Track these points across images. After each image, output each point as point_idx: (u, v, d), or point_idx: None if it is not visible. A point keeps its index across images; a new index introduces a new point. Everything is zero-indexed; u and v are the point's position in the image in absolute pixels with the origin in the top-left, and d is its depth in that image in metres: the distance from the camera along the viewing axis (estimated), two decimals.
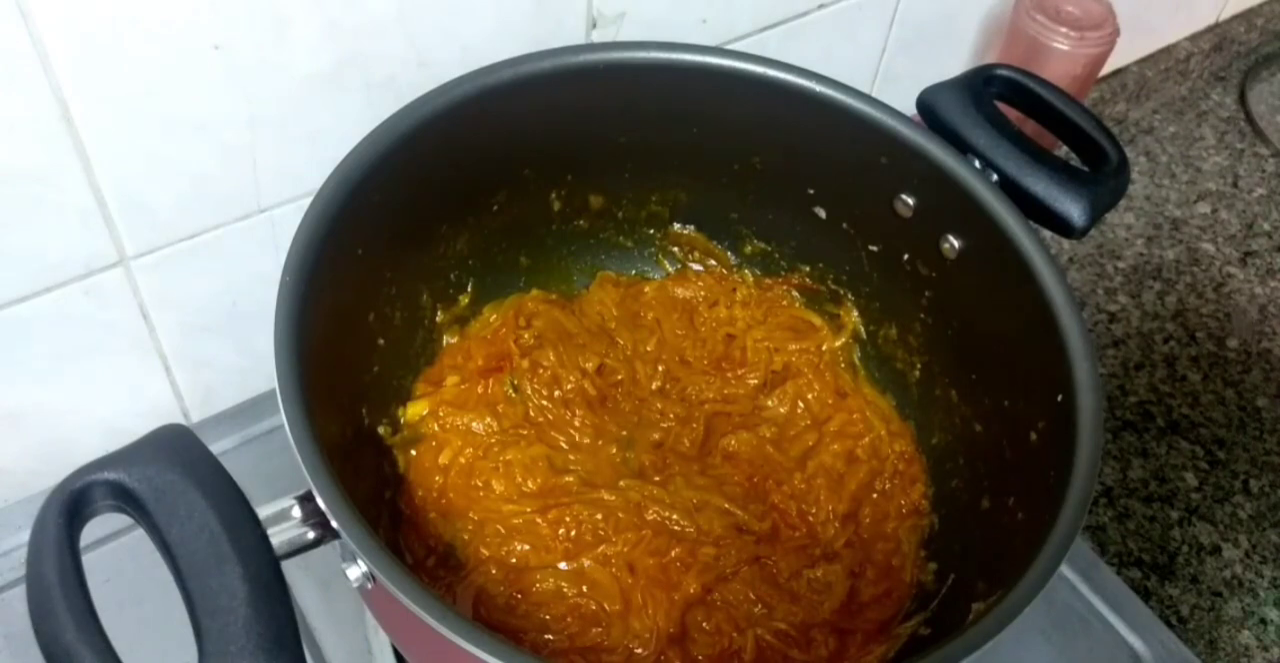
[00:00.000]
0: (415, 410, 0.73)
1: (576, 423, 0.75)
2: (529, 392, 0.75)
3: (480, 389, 0.76)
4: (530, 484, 0.71)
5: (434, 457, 0.72)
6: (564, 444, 0.74)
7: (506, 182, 0.74)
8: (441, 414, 0.73)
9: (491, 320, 0.79)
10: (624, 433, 0.76)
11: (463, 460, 0.72)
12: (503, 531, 0.70)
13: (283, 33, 0.64)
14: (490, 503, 0.71)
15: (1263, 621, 0.86)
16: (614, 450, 0.74)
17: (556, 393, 0.76)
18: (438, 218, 0.73)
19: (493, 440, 0.73)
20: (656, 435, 0.76)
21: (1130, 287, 1.07)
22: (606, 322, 0.81)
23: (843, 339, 0.81)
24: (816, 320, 0.82)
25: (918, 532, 0.74)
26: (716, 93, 0.71)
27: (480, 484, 0.71)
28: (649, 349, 0.81)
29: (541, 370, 0.76)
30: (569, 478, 0.72)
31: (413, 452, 0.72)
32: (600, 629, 0.67)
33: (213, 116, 0.65)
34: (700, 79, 0.71)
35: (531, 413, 0.75)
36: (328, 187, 0.60)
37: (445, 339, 0.77)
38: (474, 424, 0.73)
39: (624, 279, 0.84)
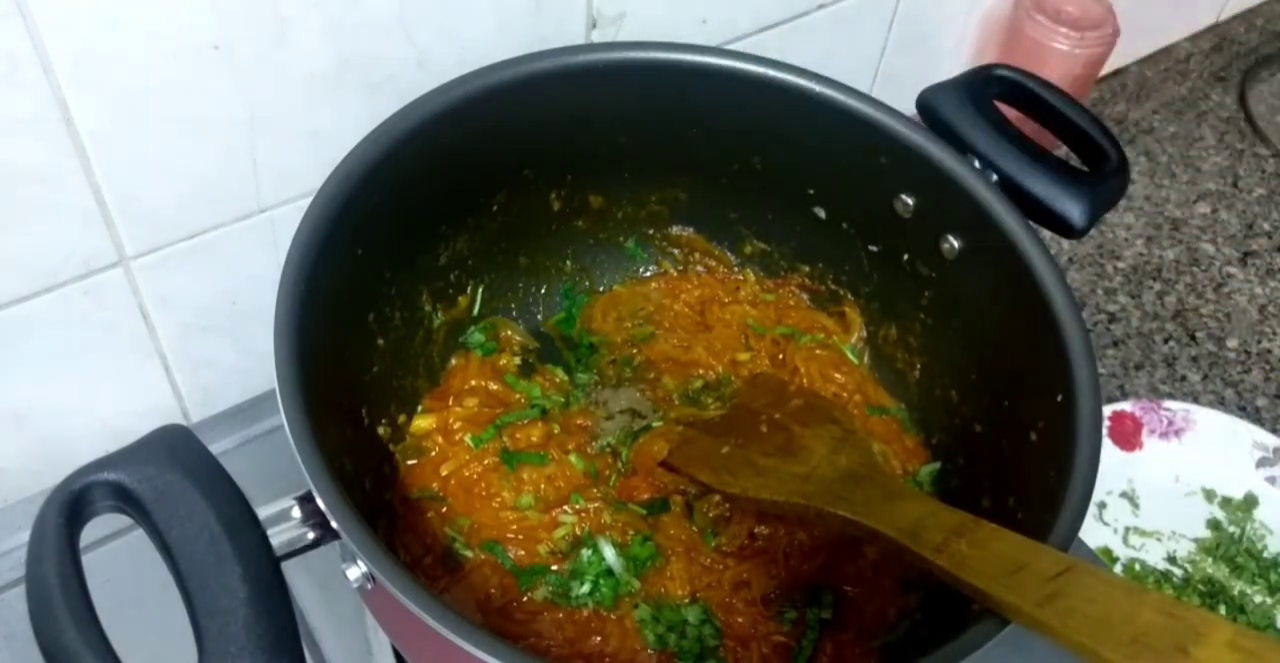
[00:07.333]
0: (421, 425, 0.73)
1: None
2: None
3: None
4: (529, 490, 0.71)
5: (436, 464, 0.72)
6: (572, 457, 0.74)
7: (506, 182, 0.74)
8: (453, 425, 0.73)
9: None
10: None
11: (465, 473, 0.72)
12: (500, 535, 0.70)
13: (283, 33, 0.64)
14: (489, 507, 0.71)
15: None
16: (614, 461, 0.74)
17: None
18: (438, 218, 0.73)
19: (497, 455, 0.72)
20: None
21: (1130, 287, 1.07)
22: (608, 324, 0.82)
23: (854, 335, 0.81)
24: (829, 322, 0.82)
25: None
26: (716, 93, 0.71)
27: (480, 489, 0.71)
28: (651, 355, 0.80)
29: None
30: (561, 484, 0.72)
31: (411, 462, 0.72)
32: (600, 638, 0.66)
33: (213, 116, 0.65)
34: (700, 79, 0.71)
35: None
36: (327, 187, 0.60)
37: (453, 360, 0.77)
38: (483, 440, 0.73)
39: (625, 279, 0.84)
